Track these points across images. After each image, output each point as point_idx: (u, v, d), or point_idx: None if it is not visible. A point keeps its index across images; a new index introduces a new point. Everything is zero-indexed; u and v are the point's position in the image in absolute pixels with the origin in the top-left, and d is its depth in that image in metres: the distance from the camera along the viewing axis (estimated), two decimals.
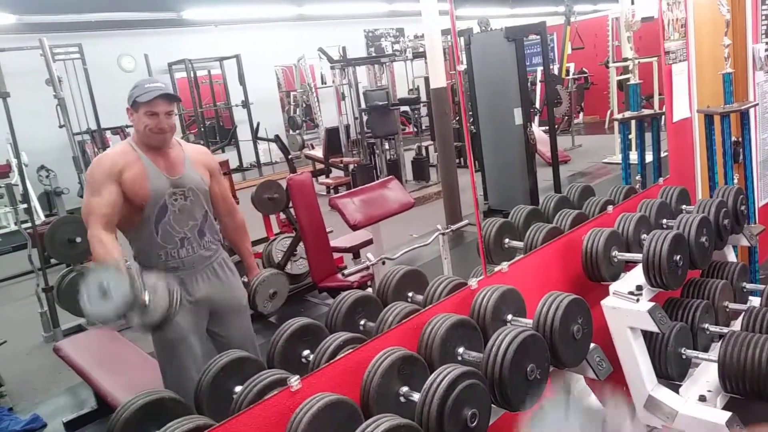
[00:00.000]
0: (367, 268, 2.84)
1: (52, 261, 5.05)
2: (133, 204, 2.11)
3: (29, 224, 4.49)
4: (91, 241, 2.03)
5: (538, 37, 6.11)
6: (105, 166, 2.10)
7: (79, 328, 4.42)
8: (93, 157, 7.80)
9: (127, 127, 8.60)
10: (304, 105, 11.71)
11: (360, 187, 4.18)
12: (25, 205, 5.10)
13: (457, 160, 7.17)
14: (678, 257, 2.11)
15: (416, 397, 1.43)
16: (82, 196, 5.06)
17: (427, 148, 8.78)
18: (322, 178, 8.49)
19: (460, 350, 1.65)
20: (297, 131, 10.38)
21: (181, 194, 2.18)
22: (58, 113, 4.91)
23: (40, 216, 6.90)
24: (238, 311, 2.39)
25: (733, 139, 3.26)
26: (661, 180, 3.02)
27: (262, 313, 3.74)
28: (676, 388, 2.10)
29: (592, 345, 1.78)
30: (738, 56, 3.41)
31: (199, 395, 1.56)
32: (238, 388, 1.51)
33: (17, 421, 3.28)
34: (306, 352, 1.71)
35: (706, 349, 2.32)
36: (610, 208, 2.58)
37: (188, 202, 2.20)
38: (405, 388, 1.48)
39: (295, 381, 1.40)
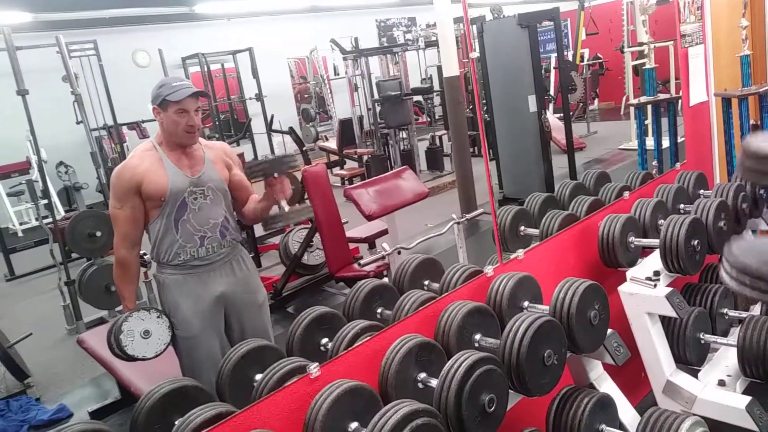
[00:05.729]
0: (383, 257, 2.85)
1: (73, 255, 5.14)
2: (154, 200, 2.14)
3: (50, 219, 4.57)
4: (115, 261, 2.24)
5: (552, 23, 6.05)
6: (125, 177, 2.12)
7: (101, 321, 4.49)
8: (110, 153, 7.93)
9: (143, 122, 8.66)
10: (317, 97, 11.72)
11: (374, 178, 4.19)
12: (45, 201, 5.18)
13: (471, 149, 7.15)
14: (696, 242, 2.10)
15: (434, 383, 1.44)
16: (100, 191, 5.16)
17: (440, 137, 8.76)
18: (336, 170, 8.51)
19: (477, 337, 1.66)
20: (311, 123, 10.40)
21: (201, 193, 2.19)
22: (75, 109, 4.96)
23: (60, 211, 7.02)
24: (255, 308, 2.38)
25: (752, 122, 3.21)
26: (678, 165, 2.99)
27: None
28: (694, 373, 2.10)
29: (609, 330, 1.78)
30: (756, 38, 3.36)
31: (221, 383, 1.59)
32: (258, 376, 1.54)
33: (44, 411, 3.36)
34: (324, 340, 1.73)
35: (724, 334, 2.31)
36: (626, 193, 2.56)
37: (208, 200, 2.21)
38: (423, 375, 1.50)
39: (314, 368, 1.41)
